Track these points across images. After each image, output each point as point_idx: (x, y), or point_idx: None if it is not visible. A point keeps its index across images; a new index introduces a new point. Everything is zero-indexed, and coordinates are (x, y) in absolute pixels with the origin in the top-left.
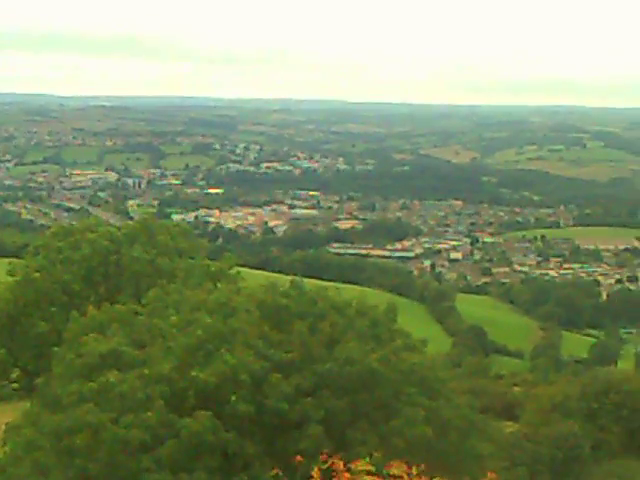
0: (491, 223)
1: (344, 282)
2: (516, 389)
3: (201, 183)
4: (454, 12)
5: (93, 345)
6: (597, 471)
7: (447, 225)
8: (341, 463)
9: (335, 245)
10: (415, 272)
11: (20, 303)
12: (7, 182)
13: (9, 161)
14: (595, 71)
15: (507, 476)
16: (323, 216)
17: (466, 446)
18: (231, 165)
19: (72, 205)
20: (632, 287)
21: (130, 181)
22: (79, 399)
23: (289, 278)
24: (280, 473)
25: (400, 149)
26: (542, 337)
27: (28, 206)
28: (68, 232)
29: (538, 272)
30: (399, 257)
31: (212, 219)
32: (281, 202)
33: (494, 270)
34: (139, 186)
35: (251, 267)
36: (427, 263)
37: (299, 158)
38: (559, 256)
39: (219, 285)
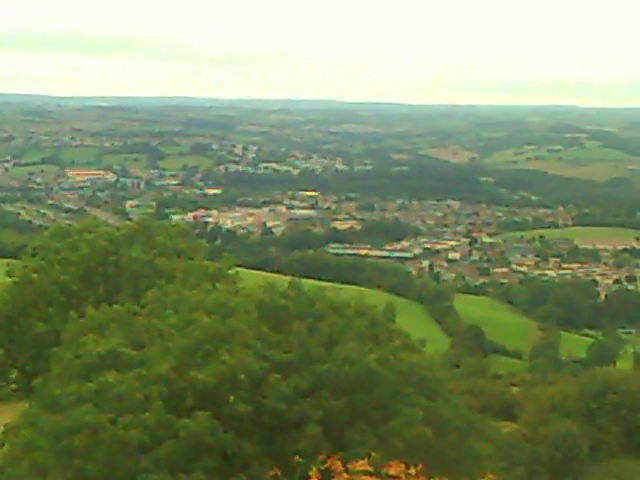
0: (489, 223)
1: (342, 282)
2: (514, 389)
3: (199, 183)
4: (452, 12)
5: (91, 345)
6: (596, 471)
7: (445, 225)
8: (339, 463)
9: (333, 245)
10: (413, 272)
11: (18, 304)
12: (5, 183)
13: (7, 161)
14: (593, 71)
15: (505, 476)
16: (321, 216)
17: (464, 446)
18: (229, 165)
19: (70, 205)
20: (630, 287)
21: (128, 181)
22: (77, 400)
23: (287, 278)
24: (279, 473)
25: (398, 149)
26: (540, 337)
27: (26, 206)
28: (66, 233)
29: (536, 272)
30: (397, 257)
31: (210, 219)
32: (279, 202)
33: (492, 270)
34: (137, 186)
35: (249, 267)
36: (425, 263)
37: (297, 158)
38: (557, 256)
39: (218, 285)
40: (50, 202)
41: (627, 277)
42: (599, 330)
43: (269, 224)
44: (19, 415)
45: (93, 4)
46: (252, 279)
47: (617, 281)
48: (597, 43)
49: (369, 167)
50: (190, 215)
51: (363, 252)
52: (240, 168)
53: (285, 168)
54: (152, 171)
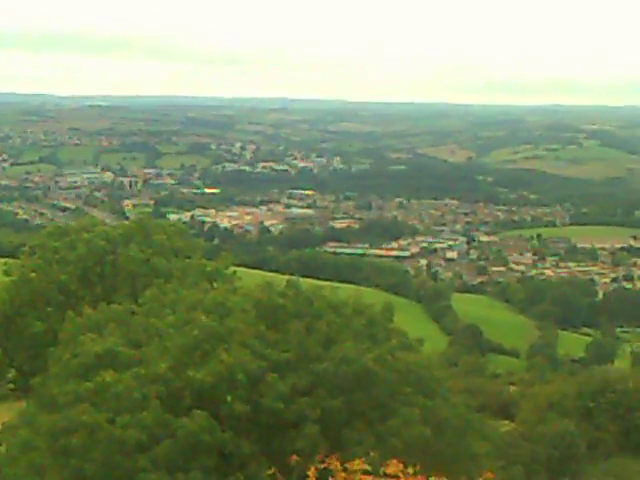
0: (487, 222)
1: (340, 281)
2: (512, 388)
3: (197, 183)
4: (450, 12)
5: (89, 345)
6: (593, 470)
7: (443, 224)
8: (337, 463)
9: (331, 244)
10: (411, 271)
11: (16, 303)
12: (3, 182)
13: (5, 161)
14: (591, 70)
15: (503, 475)
16: (319, 215)
17: (462, 445)
18: (227, 165)
19: (68, 205)
20: (628, 286)
21: (126, 181)
22: (75, 399)
23: (285, 278)
24: (276, 473)
25: (396, 148)
26: (538, 336)
27: (24, 206)
28: (64, 232)
29: (534, 271)
30: (395, 256)
31: (208, 219)
32: (277, 201)
33: (490, 269)
34: (135, 186)
35: (247, 267)
36: (423, 262)
37: (295, 157)
38: (555, 255)
39: (215, 285)
40: (48, 201)
41: (625, 276)
42: (597, 329)
43: (267, 223)
44: (17, 414)
45: (92, 4)
46: (250, 278)
47: (615, 280)
48: (595, 42)
49: (367, 166)
50: (187, 214)
51: (361, 251)
52: (238, 167)
53: (283, 167)
54: (150, 170)
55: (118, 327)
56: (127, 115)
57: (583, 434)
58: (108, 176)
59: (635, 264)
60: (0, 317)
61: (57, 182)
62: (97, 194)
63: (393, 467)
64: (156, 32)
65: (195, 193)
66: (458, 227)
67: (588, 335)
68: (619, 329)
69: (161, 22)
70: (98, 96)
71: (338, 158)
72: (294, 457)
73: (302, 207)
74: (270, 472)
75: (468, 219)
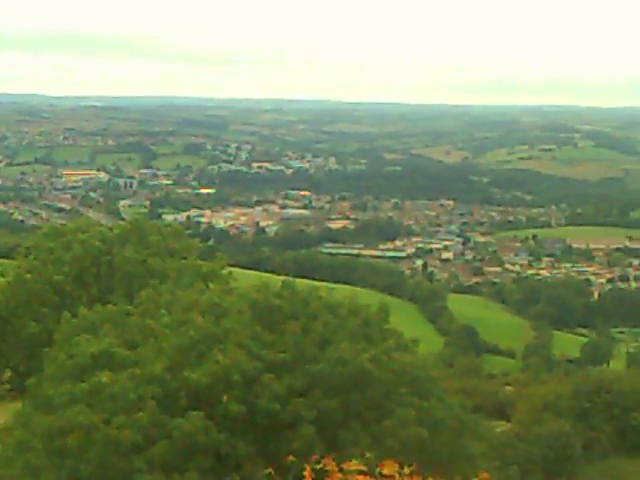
0: (483, 223)
1: (336, 282)
2: (508, 388)
3: (193, 183)
4: (446, 13)
5: (85, 346)
6: (589, 470)
7: (439, 225)
8: (333, 463)
9: (327, 245)
10: (407, 272)
11: (11, 304)
12: None
13: (0, 161)
14: (586, 71)
15: (499, 476)
16: (315, 216)
17: (458, 445)
18: (223, 165)
19: (63, 205)
20: (623, 286)
21: (121, 181)
22: (71, 400)
23: (281, 278)
24: (272, 473)
25: (392, 149)
26: (534, 337)
27: (19, 206)
28: (59, 232)
29: (530, 272)
30: (391, 257)
31: (204, 219)
32: (273, 202)
33: (486, 270)
34: (130, 186)
35: (243, 267)
36: (419, 263)
37: (291, 158)
38: (551, 256)
39: (211, 285)
40: (43, 202)
41: (620, 276)
42: (592, 329)
43: (262, 224)
44: (12, 415)
45: (86, 4)
46: (245, 279)
47: (610, 280)
48: (590, 43)
49: (363, 167)
50: (183, 215)
51: (356, 252)
52: (233, 168)
53: (278, 168)
54: (145, 171)
55: (114, 328)
56: (122, 115)
57: (579, 434)
58: (104, 176)
59: (630, 265)
60: None
61: (52, 183)
62: (93, 195)
63: (389, 467)
64: (151, 33)
65: (190, 193)
66: (454, 228)
67: (584, 336)
68: (614, 330)
69: (156, 23)
70: (93, 96)
71: (334, 159)
72: (290, 458)
73: (298, 208)
74: (266, 473)
75: (464, 220)
